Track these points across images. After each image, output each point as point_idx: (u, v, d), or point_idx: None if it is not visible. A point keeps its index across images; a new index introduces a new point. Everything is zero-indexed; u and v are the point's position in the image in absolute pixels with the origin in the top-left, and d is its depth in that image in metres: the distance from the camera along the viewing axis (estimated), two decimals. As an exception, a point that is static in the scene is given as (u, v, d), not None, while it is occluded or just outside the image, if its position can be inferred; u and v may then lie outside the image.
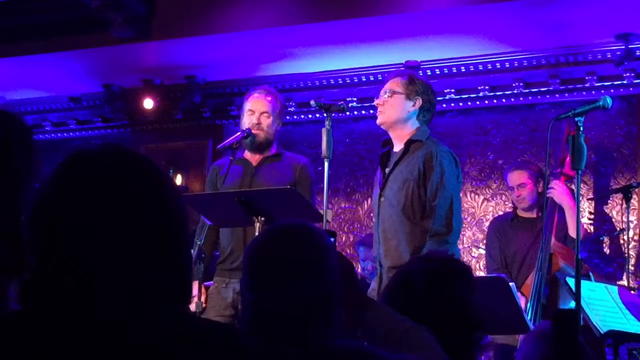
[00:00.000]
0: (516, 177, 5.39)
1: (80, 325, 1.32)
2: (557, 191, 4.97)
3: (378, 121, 4.17)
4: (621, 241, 5.86)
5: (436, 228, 3.88)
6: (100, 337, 1.31)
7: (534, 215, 5.36)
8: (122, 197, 1.37)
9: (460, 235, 6.42)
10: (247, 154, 4.58)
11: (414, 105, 4.09)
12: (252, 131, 4.47)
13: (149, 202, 1.39)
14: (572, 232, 4.88)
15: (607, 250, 6.00)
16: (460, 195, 6.40)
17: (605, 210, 6.08)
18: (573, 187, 5.06)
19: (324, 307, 1.91)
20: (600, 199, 6.09)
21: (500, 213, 6.23)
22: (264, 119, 4.50)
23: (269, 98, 4.55)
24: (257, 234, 3.87)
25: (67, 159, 1.42)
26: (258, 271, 1.94)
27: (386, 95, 4.12)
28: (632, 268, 5.64)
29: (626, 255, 5.46)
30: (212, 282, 4.55)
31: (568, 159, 5.03)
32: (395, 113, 4.09)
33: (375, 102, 4.20)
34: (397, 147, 4.12)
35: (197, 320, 1.45)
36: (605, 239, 6.00)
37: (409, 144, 4.05)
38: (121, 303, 1.33)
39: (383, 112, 4.12)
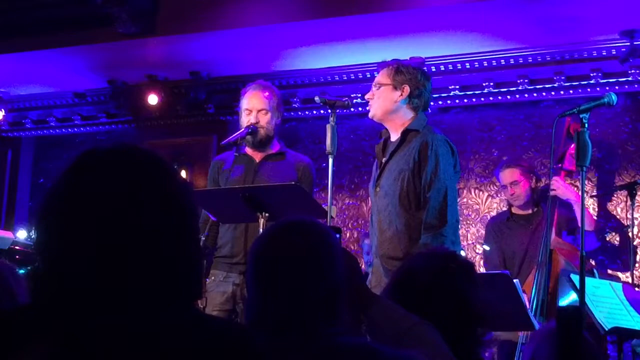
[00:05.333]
0: (508, 175, 5.40)
1: (88, 322, 1.32)
2: (561, 189, 4.98)
3: (369, 115, 4.16)
4: (626, 237, 5.85)
5: (429, 220, 3.81)
6: (107, 336, 1.32)
7: (530, 212, 5.38)
8: (132, 195, 1.37)
9: (465, 231, 6.45)
10: (249, 151, 4.57)
11: (401, 95, 4.04)
12: (252, 130, 4.46)
13: (159, 199, 1.39)
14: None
15: (611, 247, 5.99)
16: (464, 191, 6.51)
17: (610, 207, 6.07)
18: (576, 183, 5.08)
19: (329, 304, 1.90)
20: (605, 196, 6.08)
21: (505, 210, 6.23)
22: (262, 117, 4.48)
23: (266, 93, 4.53)
24: (260, 229, 3.88)
25: (77, 157, 1.42)
26: (263, 268, 1.94)
27: (374, 89, 4.11)
28: (637, 265, 5.64)
29: (630, 252, 5.45)
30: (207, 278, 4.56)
31: (568, 154, 5.04)
32: (383, 105, 4.06)
33: (366, 97, 4.19)
34: (394, 137, 4.09)
35: (208, 318, 1.44)
36: (610, 236, 5.99)
37: (405, 133, 4.01)
38: (131, 301, 1.34)
39: (372, 105, 4.11)
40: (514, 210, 5.44)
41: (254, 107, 4.50)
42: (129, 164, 1.41)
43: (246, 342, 1.38)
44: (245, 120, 4.50)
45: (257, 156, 4.56)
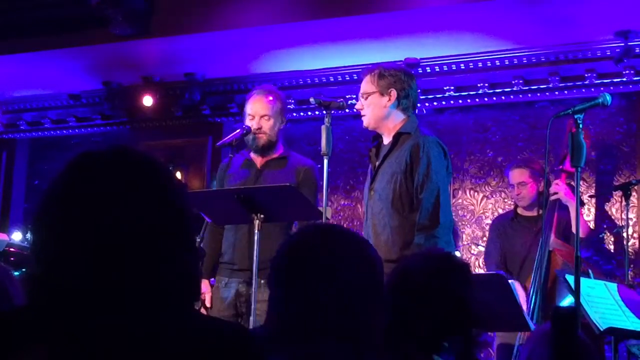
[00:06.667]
0: (517, 175, 5.38)
1: (88, 322, 1.32)
2: (563, 192, 4.98)
3: (364, 125, 4.16)
4: (620, 238, 5.86)
5: (422, 222, 3.81)
6: (107, 336, 1.32)
7: (535, 214, 5.36)
8: (128, 195, 1.38)
9: (460, 232, 6.45)
10: (253, 155, 4.57)
11: (389, 100, 4.03)
12: (254, 135, 4.45)
13: (155, 200, 1.40)
14: (575, 230, 4.89)
15: (606, 248, 6.00)
16: (459, 192, 6.51)
17: (605, 208, 6.08)
18: (574, 184, 5.08)
19: (331, 313, 1.89)
20: (600, 197, 6.09)
21: (500, 210, 6.24)
22: (264, 122, 4.46)
23: (270, 98, 4.51)
24: (256, 231, 3.89)
25: (73, 159, 1.43)
26: (278, 269, 1.96)
27: (362, 99, 4.11)
28: (631, 265, 5.65)
29: (625, 252, 5.46)
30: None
31: (569, 156, 5.04)
32: (375, 112, 4.05)
33: (356, 107, 4.18)
34: (386, 140, 4.10)
35: (207, 319, 1.44)
36: (605, 236, 6.00)
37: (397, 136, 4.02)
38: (129, 301, 1.34)
39: (365, 116, 4.11)
40: (520, 211, 5.43)
41: (256, 113, 4.48)
42: (124, 165, 1.42)
43: (245, 342, 1.38)
44: (249, 125, 4.51)
45: (259, 161, 4.55)
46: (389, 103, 4.04)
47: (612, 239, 5.98)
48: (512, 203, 5.72)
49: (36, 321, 1.34)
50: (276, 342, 1.84)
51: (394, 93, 4.03)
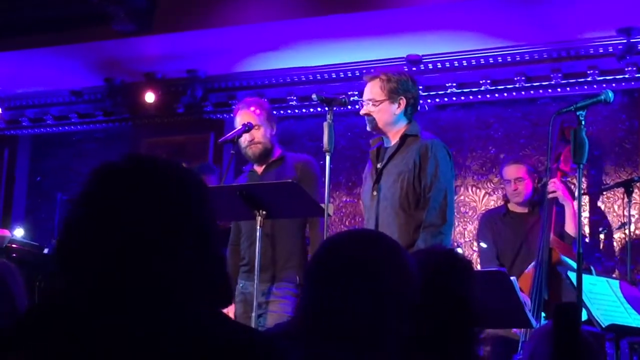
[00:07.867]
0: (514, 170, 5.39)
1: (84, 325, 1.33)
2: (561, 190, 4.99)
3: (368, 129, 4.18)
4: (622, 235, 5.86)
5: (430, 219, 3.90)
6: (103, 338, 1.32)
7: (526, 210, 5.37)
8: (127, 200, 1.39)
9: (462, 229, 6.46)
10: (255, 166, 4.65)
11: (399, 107, 4.08)
12: (249, 147, 4.52)
13: (154, 202, 1.41)
14: (568, 229, 4.93)
15: (608, 244, 6.00)
16: (461, 189, 6.51)
17: (607, 205, 6.07)
18: (573, 180, 5.08)
19: (335, 317, 1.90)
20: (602, 193, 6.08)
21: (500, 205, 6.23)
22: (255, 133, 4.52)
23: (256, 110, 4.56)
24: (259, 227, 3.91)
25: (92, 174, 1.46)
26: (309, 272, 1.99)
27: (370, 105, 4.11)
28: (634, 262, 5.65)
29: (627, 249, 5.45)
30: None
31: (563, 154, 5.05)
32: (384, 118, 4.09)
33: (361, 113, 4.18)
34: (390, 142, 4.14)
35: (210, 319, 1.43)
36: (607, 233, 6.00)
37: (404, 138, 4.08)
38: (129, 303, 1.35)
39: (371, 121, 4.12)
40: (511, 207, 5.44)
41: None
42: (127, 170, 1.44)
43: (248, 343, 1.38)
44: (242, 137, 4.53)
45: (260, 169, 4.62)
46: (399, 111, 4.09)
47: (614, 236, 5.98)
48: (504, 200, 5.71)
49: (39, 322, 1.35)
50: (290, 340, 1.85)
51: (403, 102, 4.08)
